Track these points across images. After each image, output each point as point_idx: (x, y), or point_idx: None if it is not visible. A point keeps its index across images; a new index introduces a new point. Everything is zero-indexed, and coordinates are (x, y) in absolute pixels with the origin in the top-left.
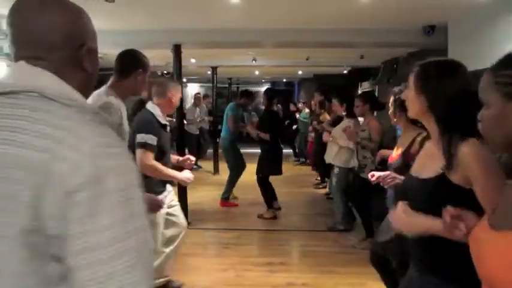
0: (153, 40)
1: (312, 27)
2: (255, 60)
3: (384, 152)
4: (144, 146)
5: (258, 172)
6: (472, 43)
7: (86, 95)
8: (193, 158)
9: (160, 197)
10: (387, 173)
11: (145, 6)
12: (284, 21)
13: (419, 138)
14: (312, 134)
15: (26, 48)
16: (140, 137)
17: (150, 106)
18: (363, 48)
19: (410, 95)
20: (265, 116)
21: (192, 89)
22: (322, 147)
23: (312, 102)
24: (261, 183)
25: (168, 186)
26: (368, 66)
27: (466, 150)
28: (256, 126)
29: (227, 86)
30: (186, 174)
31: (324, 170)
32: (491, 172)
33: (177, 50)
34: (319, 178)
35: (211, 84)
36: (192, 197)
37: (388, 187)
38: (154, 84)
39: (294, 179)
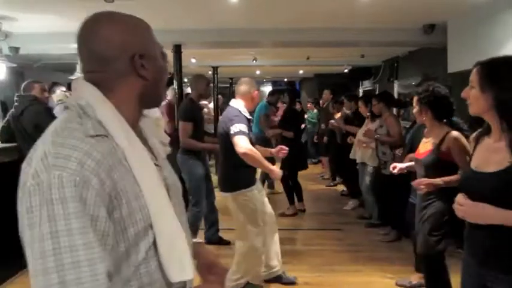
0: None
1: (312, 26)
2: (256, 60)
3: (412, 156)
4: (241, 133)
5: (283, 170)
6: (471, 41)
7: (151, 101)
8: (286, 148)
9: (254, 187)
10: (409, 164)
11: (145, 6)
12: (284, 20)
13: (451, 136)
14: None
15: (85, 64)
16: (234, 127)
17: (234, 103)
18: (364, 47)
19: (474, 93)
20: (288, 115)
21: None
22: (336, 145)
23: (320, 101)
24: (287, 180)
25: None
26: (369, 65)
27: None
28: (276, 125)
29: (228, 86)
30: (277, 169)
31: (339, 168)
32: None
33: (177, 50)
34: (326, 176)
35: (212, 84)
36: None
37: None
38: (238, 83)
39: (301, 177)
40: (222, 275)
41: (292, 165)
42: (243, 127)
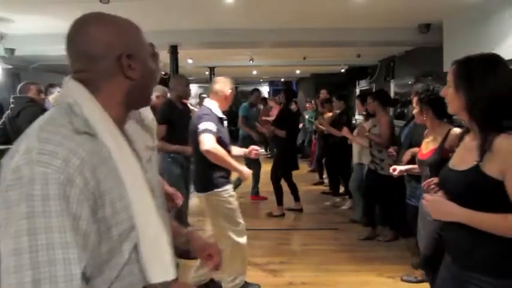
0: (149, 41)
1: (309, 26)
2: (252, 61)
3: (413, 150)
4: (207, 131)
5: (274, 171)
6: (467, 41)
7: (138, 102)
8: (258, 148)
9: (229, 186)
10: (409, 167)
11: (141, 6)
12: (281, 21)
13: (453, 133)
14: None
15: (73, 63)
16: (202, 125)
17: (207, 102)
18: (360, 47)
19: (450, 92)
20: (282, 115)
21: (191, 90)
22: (324, 146)
23: (314, 100)
24: (278, 180)
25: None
26: (365, 64)
27: (503, 142)
28: (272, 123)
29: None
30: (245, 168)
31: (322, 169)
32: None
33: (173, 50)
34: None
35: (208, 85)
36: (191, 197)
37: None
38: (212, 82)
39: (295, 177)
40: (217, 253)
41: (286, 166)
42: (210, 125)
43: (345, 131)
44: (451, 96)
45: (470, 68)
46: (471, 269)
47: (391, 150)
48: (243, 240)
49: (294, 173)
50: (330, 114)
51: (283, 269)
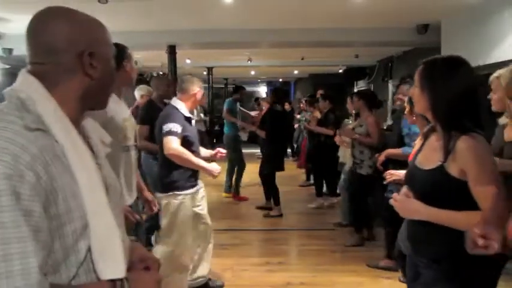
0: (148, 41)
1: (307, 27)
2: (251, 61)
3: (390, 151)
4: (169, 133)
5: (261, 171)
6: (465, 41)
7: (95, 102)
8: (223, 151)
9: (191, 190)
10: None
11: (139, 7)
12: (279, 21)
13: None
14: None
15: (32, 55)
16: (165, 127)
17: (174, 101)
18: (358, 48)
19: (416, 92)
20: (266, 115)
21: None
22: (313, 146)
23: (305, 100)
24: (266, 181)
25: (200, 182)
26: (363, 65)
27: (463, 144)
28: (258, 123)
29: (223, 86)
30: (213, 165)
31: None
32: (487, 166)
33: (171, 50)
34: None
35: (207, 85)
36: None
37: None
38: (179, 81)
39: (292, 177)
40: (155, 265)
41: (271, 166)
42: (174, 126)
43: (337, 139)
44: (417, 96)
45: (433, 69)
46: (421, 254)
47: (377, 155)
48: (175, 251)
49: (293, 172)
50: (318, 113)
51: (281, 269)
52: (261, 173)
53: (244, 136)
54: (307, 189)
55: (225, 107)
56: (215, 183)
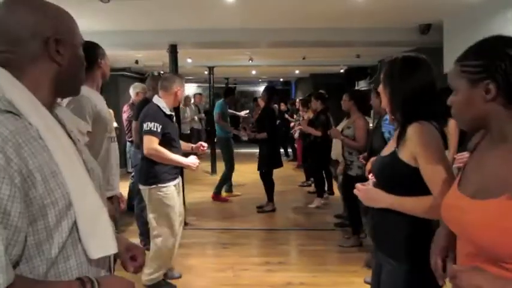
0: (149, 40)
1: (308, 26)
2: (252, 60)
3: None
4: (149, 132)
5: (260, 168)
6: (467, 41)
7: (66, 89)
8: (205, 145)
9: (174, 182)
10: None
11: (140, 6)
12: (280, 20)
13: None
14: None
15: None
16: (145, 126)
17: (155, 99)
18: (359, 47)
19: (381, 89)
20: (263, 114)
21: (189, 89)
22: (308, 146)
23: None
24: (264, 177)
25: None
26: (365, 65)
27: (411, 130)
28: (252, 124)
29: (224, 85)
30: (191, 160)
31: (310, 168)
32: (433, 149)
33: (173, 50)
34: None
35: (208, 84)
36: (189, 197)
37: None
38: (161, 79)
39: (290, 177)
40: (141, 254)
41: (269, 163)
42: (154, 125)
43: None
44: (381, 92)
45: (392, 67)
46: (384, 252)
47: (361, 158)
48: (168, 242)
49: (292, 172)
50: (310, 114)
51: (281, 269)
52: (260, 171)
53: (244, 136)
54: (307, 189)
55: (216, 111)
56: (214, 183)
